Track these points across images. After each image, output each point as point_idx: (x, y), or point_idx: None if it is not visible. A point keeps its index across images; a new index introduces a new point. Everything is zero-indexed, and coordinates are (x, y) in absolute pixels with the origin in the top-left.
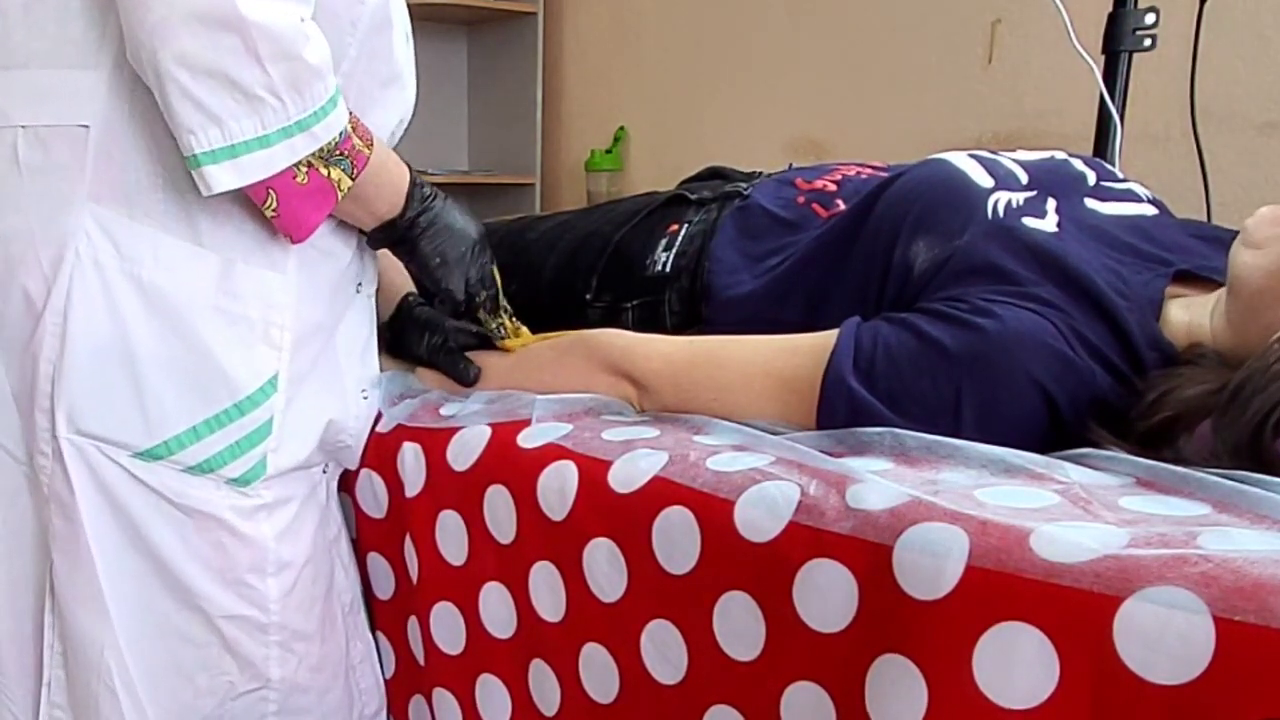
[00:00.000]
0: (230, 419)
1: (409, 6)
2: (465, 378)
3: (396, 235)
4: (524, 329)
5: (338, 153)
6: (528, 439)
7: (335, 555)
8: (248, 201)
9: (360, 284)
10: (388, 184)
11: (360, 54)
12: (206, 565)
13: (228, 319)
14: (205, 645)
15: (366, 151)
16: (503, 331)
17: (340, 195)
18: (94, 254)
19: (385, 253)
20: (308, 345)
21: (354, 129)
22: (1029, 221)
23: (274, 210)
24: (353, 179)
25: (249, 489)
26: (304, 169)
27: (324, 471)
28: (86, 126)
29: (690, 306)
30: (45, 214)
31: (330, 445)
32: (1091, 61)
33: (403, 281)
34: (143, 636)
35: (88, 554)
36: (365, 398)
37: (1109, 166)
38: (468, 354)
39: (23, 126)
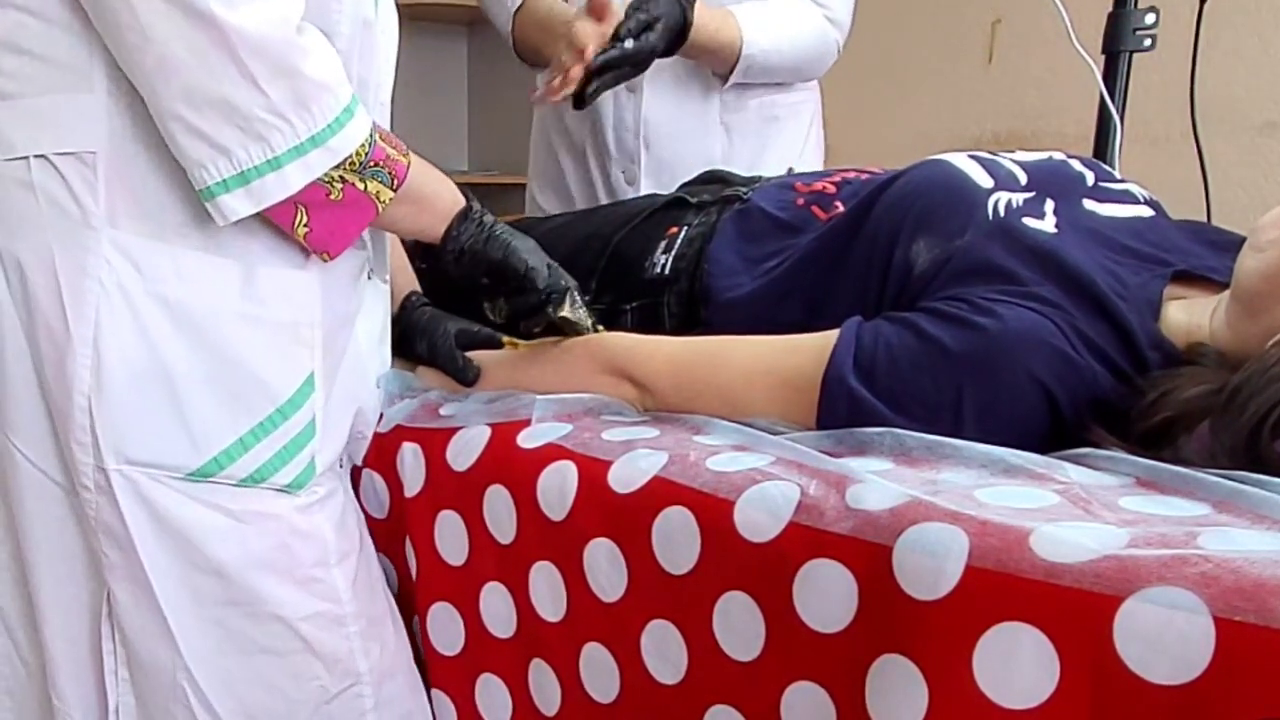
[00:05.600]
0: (274, 425)
1: (410, 7)
2: (465, 377)
3: (473, 224)
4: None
5: (371, 164)
6: (528, 439)
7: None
8: None
9: (372, 270)
10: (440, 180)
11: (354, 32)
12: (273, 569)
13: (255, 325)
14: (288, 653)
15: (404, 160)
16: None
17: (381, 208)
18: (117, 279)
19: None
20: (336, 338)
21: (382, 139)
22: (1029, 222)
23: (305, 227)
24: (393, 190)
25: (302, 492)
26: (338, 185)
27: (341, 466)
28: (94, 152)
29: (689, 309)
30: (64, 242)
31: (352, 437)
32: (1091, 62)
33: (404, 281)
34: (220, 655)
35: (146, 582)
36: (378, 386)
37: (1107, 167)
38: (468, 354)
39: (34, 156)
